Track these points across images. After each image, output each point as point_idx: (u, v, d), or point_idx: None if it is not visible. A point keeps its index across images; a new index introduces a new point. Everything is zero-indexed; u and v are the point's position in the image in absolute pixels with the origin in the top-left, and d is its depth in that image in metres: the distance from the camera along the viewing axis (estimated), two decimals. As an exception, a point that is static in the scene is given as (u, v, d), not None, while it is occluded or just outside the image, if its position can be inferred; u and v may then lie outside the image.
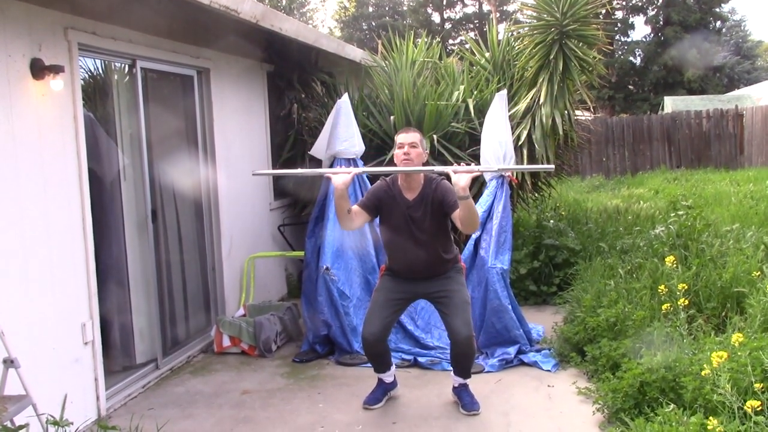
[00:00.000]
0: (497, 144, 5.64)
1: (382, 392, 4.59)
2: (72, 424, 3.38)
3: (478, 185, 6.86)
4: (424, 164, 4.38)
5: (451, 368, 4.49)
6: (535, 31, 6.82)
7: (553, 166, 4.40)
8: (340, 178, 4.06)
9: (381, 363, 4.54)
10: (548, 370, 5.05)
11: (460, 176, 3.90)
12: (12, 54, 3.80)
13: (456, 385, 4.51)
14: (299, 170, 4.63)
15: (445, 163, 6.84)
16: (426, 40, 8.29)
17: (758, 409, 3.04)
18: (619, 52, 32.29)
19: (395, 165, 4.36)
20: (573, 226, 8.12)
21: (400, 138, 4.34)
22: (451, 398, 4.57)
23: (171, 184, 5.61)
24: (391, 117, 7.06)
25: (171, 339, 5.62)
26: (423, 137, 4.41)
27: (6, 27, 3.76)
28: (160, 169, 5.44)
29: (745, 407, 3.08)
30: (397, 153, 4.32)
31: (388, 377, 4.60)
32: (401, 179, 4.35)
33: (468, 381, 4.50)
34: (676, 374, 3.82)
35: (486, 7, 37.88)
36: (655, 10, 32.50)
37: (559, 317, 6.05)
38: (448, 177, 4.03)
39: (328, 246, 5.57)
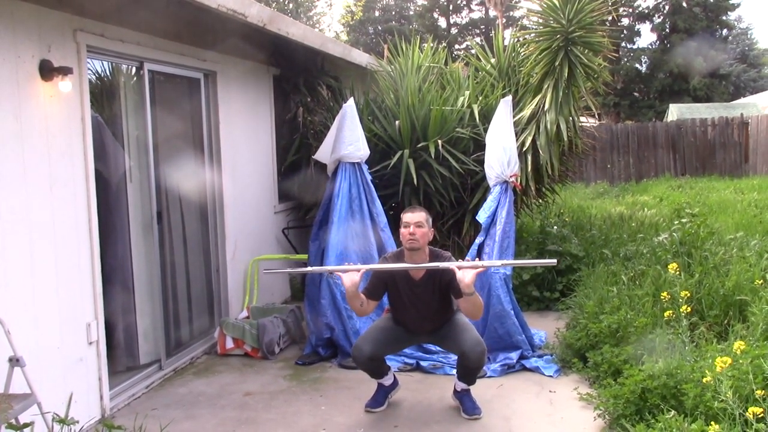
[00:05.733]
0: (502, 150, 5.66)
1: (384, 395, 4.61)
2: (78, 422, 3.40)
3: (482, 191, 6.88)
4: (429, 242, 4.46)
5: (456, 374, 4.52)
6: (540, 38, 6.84)
7: (555, 261, 4.43)
8: (348, 278, 4.12)
9: (374, 373, 4.59)
10: (550, 376, 5.06)
11: (465, 273, 3.98)
12: (21, 55, 3.83)
13: (458, 389, 4.53)
14: (309, 269, 4.82)
15: (450, 168, 6.86)
16: (432, 45, 8.32)
17: (760, 416, 3.05)
18: (625, 59, 32.28)
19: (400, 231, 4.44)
20: (576, 233, 8.12)
21: (407, 217, 4.40)
22: (453, 402, 4.59)
23: (177, 186, 5.64)
24: (397, 122, 7.09)
25: (175, 340, 5.64)
26: (429, 216, 4.50)
27: (16, 29, 3.79)
28: (166, 171, 5.47)
29: (747, 414, 3.09)
30: (403, 232, 4.38)
31: (386, 381, 4.63)
32: (407, 257, 4.41)
33: (471, 386, 4.53)
34: (678, 381, 3.82)
35: (492, 13, 37.88)
36: (662, 17, 32.50)
37: (561, 323, 6.05)
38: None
39: (331, 249, 5.59)
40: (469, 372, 4.41)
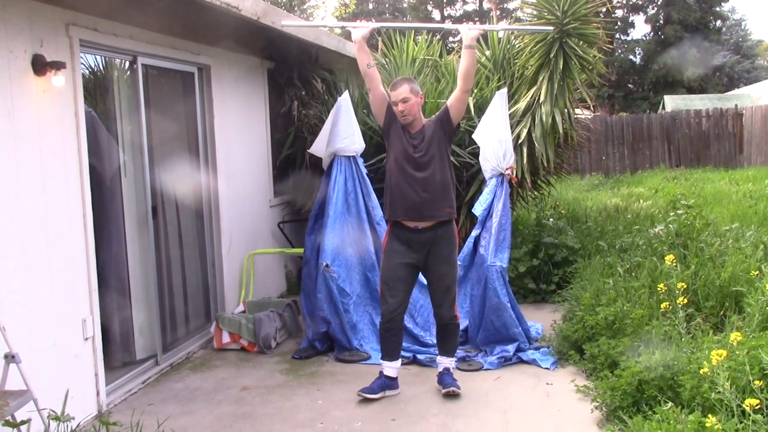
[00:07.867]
0: (497, 142, 5.64)
1: (380, 386, 4.61)
2: (74, 419, 3.39)
3: (477, 183, 6.88)
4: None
5: (438, 349, 4.69)
6: (535, 30, 6.82)
7: (551, 27, 4.66)
8: (358, 32, 4.48)
9: (393, 343, 4.61)
10: (547, 368, 5.07)
11: (469, 32, 4.48)
12: (14, 50, 3.80)
13: (440, 370, 4.65)
14: (319, 23, 4.91)
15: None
16: (426, 37, 8.30)
17: (757, 407, 3.06)
18: (619, 51, 32.31)
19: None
20: (572, 225, 8.13)
21: (393, 96, 4.50)
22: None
23: (171, 181, 5.62)
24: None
25: (171, 335, 5.63)
26: (413, 83, 4.57)
27: (8, 23, 3.76)
28: (161, 165, 5.44)
29: (744, 405, 3.10)
30: (395, 110, 4.51)
31: (391, 370, 4.63)
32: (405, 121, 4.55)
33: (451, 366, 4.69)
34: (675, 373, 3.83)
35: (486, 5, 37.84)
36: (656, 8, 32.51)
37: (557, 315, 6.06)
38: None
39: (327, 243, 5.57)
40: (443, 332, 4.62)
